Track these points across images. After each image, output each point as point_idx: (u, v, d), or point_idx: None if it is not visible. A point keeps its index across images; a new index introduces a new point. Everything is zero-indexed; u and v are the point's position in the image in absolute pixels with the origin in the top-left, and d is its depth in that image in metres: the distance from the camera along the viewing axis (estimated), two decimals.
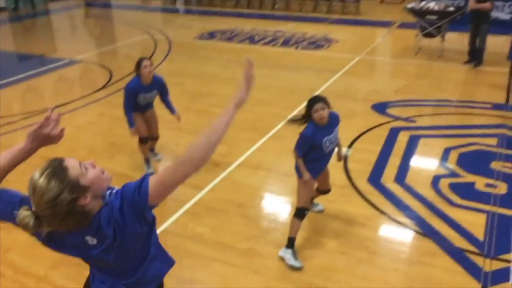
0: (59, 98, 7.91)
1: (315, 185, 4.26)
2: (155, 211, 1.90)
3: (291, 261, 3.90)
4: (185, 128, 6.55)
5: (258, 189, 5.17)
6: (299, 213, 3.96)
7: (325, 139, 3.79)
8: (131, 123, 5.14)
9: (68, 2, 18.13)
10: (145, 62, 4.96)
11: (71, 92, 8.41)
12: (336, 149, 4.11)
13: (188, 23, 14.53)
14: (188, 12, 16.54)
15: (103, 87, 8.47)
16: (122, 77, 8.67)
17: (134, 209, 1.77)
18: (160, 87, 5.25)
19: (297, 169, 3.98)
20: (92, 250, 1.84)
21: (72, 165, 1.74)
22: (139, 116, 5.27)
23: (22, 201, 1.81)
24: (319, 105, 3.71)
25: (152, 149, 5.79)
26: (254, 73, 1.93)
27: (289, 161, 5.61)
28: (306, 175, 3.88)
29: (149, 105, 5.32)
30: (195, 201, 4.91)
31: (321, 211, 4.68)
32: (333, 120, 3.85)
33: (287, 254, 3.95)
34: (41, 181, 1.67)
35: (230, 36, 12.20)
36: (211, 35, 12.37)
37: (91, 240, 1.82)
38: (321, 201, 4.70)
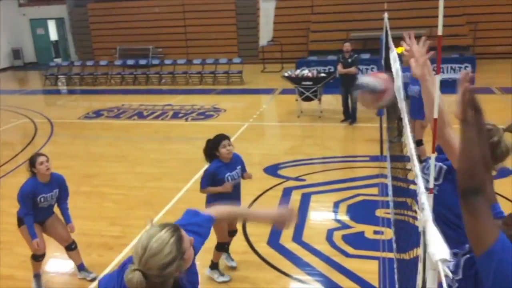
0: None
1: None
2: None
3: (220, 278, 4.55)
4: (72, 214, 6.13)
5: None
6: (220, 246, 4.55)
7: (227, 175, 4.29)
8: (32, 233, 4.31)
9: None
10: (41, 158, 4.30)
11: None
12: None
13: (72, 103, 14.10)
14: (71, 92, 16.08)
15: None
16: None
17: None
18: (60, 186, 4.55)
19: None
20: None
21: (186, 237, 1.76)
22: (36, 229, 4.43)
23: None
24: (226, 141, 4.28)
25: (81, 267, 4.77)
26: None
27: None
28: (224, 187, 4.28)
29: (50, 210, 4.58)
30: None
31: (234, 267, 4.81)
32: (236, 159, 4.41)
33: (214, 274, 4.58)
34: (171, 242, 1.66)
35: (118, 113, 12.02)
36: (97, 114, 12.07)
37: None
38: (225, 270, 4.65)
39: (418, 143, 6.71)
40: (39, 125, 11.09)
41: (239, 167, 4.43)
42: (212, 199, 4.35)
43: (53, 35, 23.08)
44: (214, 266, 4.62)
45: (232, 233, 4.77)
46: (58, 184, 4.53)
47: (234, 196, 4.42)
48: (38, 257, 4.50)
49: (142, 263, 1.61)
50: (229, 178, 4.33)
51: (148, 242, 1.64)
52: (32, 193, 4.33)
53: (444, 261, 1.32)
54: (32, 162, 4.34)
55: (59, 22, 22.49)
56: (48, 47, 22.75)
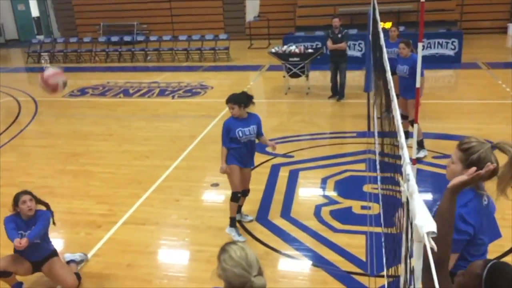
0: None
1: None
2: None
3: (236, 237, 4.83)
4: (58, 193, 6.11)
5: (146, 246, 4.95)
6: (233, 196, 4.89)
7: (238, 129, 4.74)
8: (11, 236, 4.02)
9: None
10: (24, 197, 4.10)
11: None
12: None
13: None
14: None
15: None
16: None
17: None
18: (37, 222, 4.16)
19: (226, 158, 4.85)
20: None
21: None
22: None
23: None
24: (228, 105, 4.77)
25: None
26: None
27: (176, 212, 5.53)
28: (222, 165, 4.83)
29: (38, 249, 4.21)
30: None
31: (250, 221, 5.24)
32: (252, 118, 4.88)
33: (232, 232, 4.90)
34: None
35: (103, 91, 11.85)
36: (82, 92, 11.89)
37: None
38: (214, 247, 4.67)
39: (411, 123, 6.71)
40: (23, 104, 10.90)
41: (253, 126, 4.85)
42: (229, 154, 4.85)
43: (35, 11, 22.49)
44: (232, 223, 4.93)
45: (245, 192, 5.13)
46: (37, 221, 4.15)
47: (246, 152, 4.90)
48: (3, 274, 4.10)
49: (259, 270, 2.04)
50: (239, 133, 4.76)
51: (252, 256, 2.07)
52: (14, 223, 4.09)
53: (431, 233, 1.33)
54: (15, 200, 4.13)
55: None
56: (29, 23, 22.20)
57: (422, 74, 6.33)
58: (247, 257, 2.04)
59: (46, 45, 17.18)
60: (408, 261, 1.81)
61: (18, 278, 4.24)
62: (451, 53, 12.77)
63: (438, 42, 12.80)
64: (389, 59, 7.05)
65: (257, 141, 5.05)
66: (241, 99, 4.79)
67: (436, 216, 1.89)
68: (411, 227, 1.53)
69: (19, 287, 4.25)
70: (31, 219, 4.15)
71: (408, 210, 1.70)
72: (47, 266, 4.24)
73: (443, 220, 1.87)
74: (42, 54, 16.83)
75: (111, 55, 16.23)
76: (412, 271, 1.51)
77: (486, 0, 16.49)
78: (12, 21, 21.93)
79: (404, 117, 6.78)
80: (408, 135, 6.32)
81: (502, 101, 9.02)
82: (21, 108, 10.58)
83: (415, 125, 1.87)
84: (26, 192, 4.17)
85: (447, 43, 12.77)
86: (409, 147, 2.38)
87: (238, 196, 4.89)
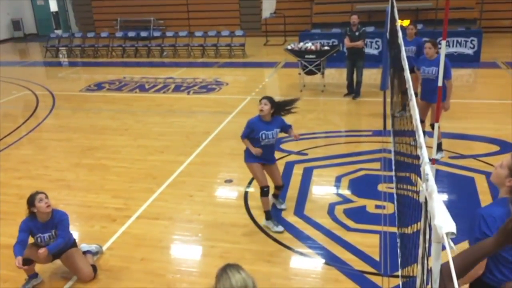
0: None
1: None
2: None
3: (274, 228, 4.95)
4: (75, 186, 6.18)
5: (160, 241, 4.98)
6: (262, 192, 4.96)
7: (262, 132, 4.81)
8: (17, 253, 3.97)
9: None
10: (40, 195, 4.08)
11: None
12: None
13: (73, 76, 14.00)
14: (72, 64, 15.95)
15: None
16: (0, 138, 8.00)
17: None
18: (57, 225, 4.19)
19: (245, 157, 4.97)
20: None
21: None
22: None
23: None
24: (262, 100, 4.86)
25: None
26: None
27: (190, 208, 5.55)
28: (254, 150, 4.84)
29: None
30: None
31: (284, 209, 5.35)
32: (275, 121, 4.93)
33: (269, 224, 5.02)
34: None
35: (119, 86, 11.94)
36: (99, 87, 12.00)
37: None
38: (227, 243, 4.68)
39: (432, 126, 6.59)
40: (40, 97, 11.04)
41: (276, 129, 4.91)
42: (248, 153, 4.95)
43: (53, 6, 22.76)
44: (268, 216, 5.04)
45: (279, 188, 5.32)
46: (56, 223, 4.18)
47: (266, 151, 4.93)
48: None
49: None
50: (263, 136, 4.83)
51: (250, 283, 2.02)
52: (28, 230, 4.12)
53: (450, 234, 1.30)
54: (30, 201, 4.10)
55: None
56: (48, 18, 22.47)
57: (449, 76, 6.19)
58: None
59: (64, 39, 17.36)
60: (425, 261, 1.78)
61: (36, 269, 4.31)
62: (470, 52, 12.57)
63: (457, 41, 12.61)
64: (407, 57, 6.96)
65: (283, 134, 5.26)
66: (276, 103, 4.94)
67: (476, 243, 1.87)
68: (429, 228, 1.51)
69: (34, 277, 4.32)
70: (48, 221, 4.16)
71: (426, 210, 1.67)
72: (65, 256, 4.33)
73: (479, 251, 1.83)
74: (60, 48, 17.03)
75: (127, 50, 16.34)
76: (429, 272, 1.49)
77: None
78: (31, 15, 22.22)
79: (421, 120, 6.68)
80: (425, 134, 6.23)
81: None
82: (39, 101, 10.72)
83: (436, 125, 1.83)
84: (40, 192, 4.17)
85: (466, 41, 12.57)
86: (428, 147, 2.34)
87: (265, 191, 4.95)
